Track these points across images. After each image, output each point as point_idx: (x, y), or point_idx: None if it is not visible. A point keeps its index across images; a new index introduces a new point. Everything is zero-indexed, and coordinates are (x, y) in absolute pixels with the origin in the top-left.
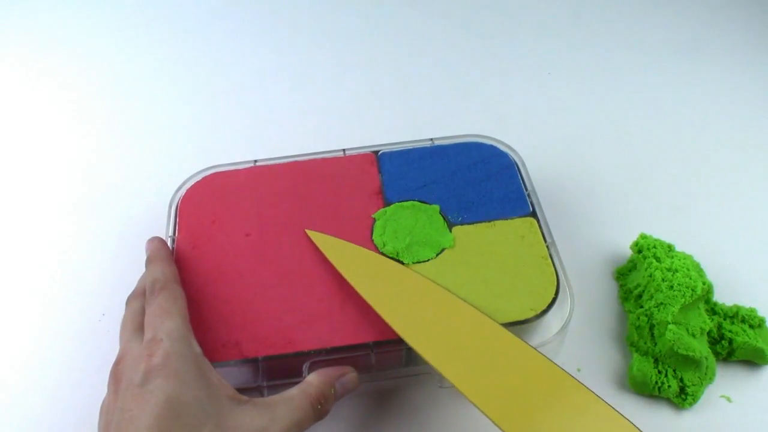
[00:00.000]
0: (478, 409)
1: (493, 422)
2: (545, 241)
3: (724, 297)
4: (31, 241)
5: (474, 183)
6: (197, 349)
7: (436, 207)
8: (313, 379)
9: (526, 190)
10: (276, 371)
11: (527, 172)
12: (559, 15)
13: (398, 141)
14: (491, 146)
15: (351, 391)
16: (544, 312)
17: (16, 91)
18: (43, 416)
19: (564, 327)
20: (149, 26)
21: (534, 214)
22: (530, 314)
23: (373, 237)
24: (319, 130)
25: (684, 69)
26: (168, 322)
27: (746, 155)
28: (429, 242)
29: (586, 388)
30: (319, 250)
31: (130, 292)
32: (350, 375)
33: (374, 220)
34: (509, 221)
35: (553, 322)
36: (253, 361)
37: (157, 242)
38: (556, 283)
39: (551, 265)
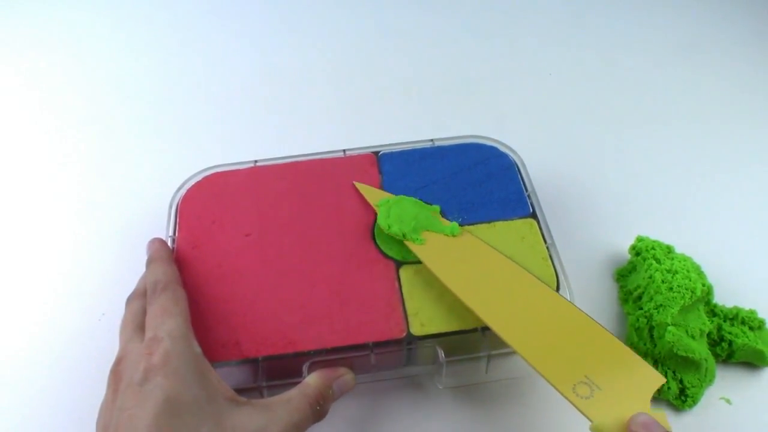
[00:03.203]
0: (534, 368)
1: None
2: (545, 242)
3: (724, 299)
4: (32, 241)
5: (474, 184)
6: (197, 349)
7: (437, 207)
8: (311, 380)
9: (527, 191)
10: (276, 371)
11: (527, 173)
12: (561, 16)
13: (398, 141)
14: (491, 147)
15: (347, 391)
16: None
17: (17, 92)
18: (43, 416)
19: None
20: (150, 26)
21: (534, 216)
22: None
23: (378, 220)
24: (319, 131)
25: (685, 69)
26: (169, 321)
27: (747, 156)
28: (432, 229)
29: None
30: (322, 249)
31: (130, 292)
32: (347, 376)
33: (374, 220)
34: (509, 222)
35: None
36: (253, 361)
37: (158, 243)
38: (556, 284)
39: (551, 266)
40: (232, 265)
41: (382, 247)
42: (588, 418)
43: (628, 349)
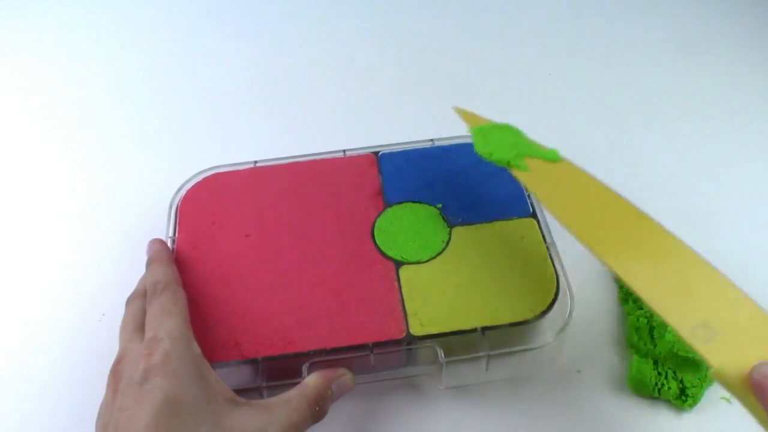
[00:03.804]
0: (650, 305)
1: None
2: (545, 241)
3: None
4: (32, 242)
5: (474, 183)
6: (197, 350)
7: (439, 205)
8: (310, 381)
9: (527, 190)
10: (276, 372)
11: None
12: (561, 16)
13: (399, 142)
14: None
15: (347, 392)
16: (544, 313)
17: (16, 93)
18: (42, 416)
19: (564, 328)
20: (149, 27)
21: (534, 215)
22: (529, 315)
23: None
24: (319, 131)
25: (685, 71)
26: (169, 322)
27: (748, 156)
28: (427, 244)
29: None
30: (322, 250)
31: (130, 292)
32: (346, 377)
33: (374, 220)
34: (509, 222)
35: (553, 323)
36: (252, 362)
37: (158, 244)
38: (556, 284)
39: (551, 266)
40: (231, 266)
41: (382, 248)
42: (708, 363)
43: (749, 298)
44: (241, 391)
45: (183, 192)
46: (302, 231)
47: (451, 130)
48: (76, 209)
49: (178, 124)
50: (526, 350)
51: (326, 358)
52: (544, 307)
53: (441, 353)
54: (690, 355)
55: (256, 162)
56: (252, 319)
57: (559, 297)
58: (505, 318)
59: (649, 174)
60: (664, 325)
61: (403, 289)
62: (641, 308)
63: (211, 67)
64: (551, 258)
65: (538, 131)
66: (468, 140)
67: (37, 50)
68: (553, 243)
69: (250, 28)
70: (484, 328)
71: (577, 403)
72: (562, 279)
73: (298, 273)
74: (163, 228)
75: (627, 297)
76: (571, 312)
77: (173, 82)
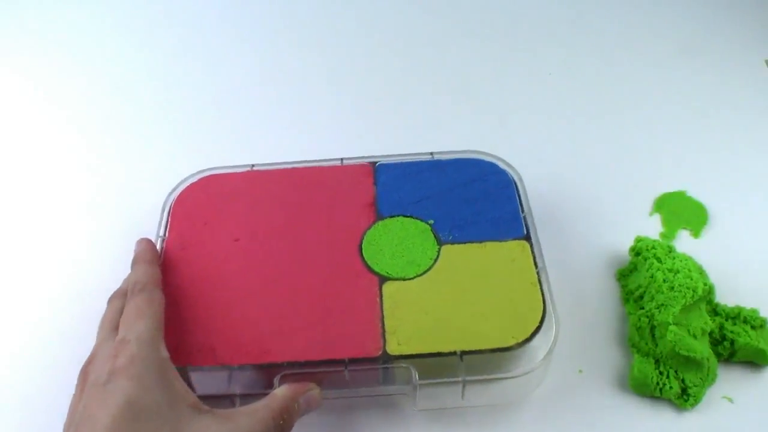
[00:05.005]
0: None
1: None
2: (536, 266)
3: (725, 298)
4: (28, 240)
5: (470, 201)
6: (164, 354)
7: (428, 225)
8: (279, 393)
9: (522, 211)
10: (249, 380)
11: (525, 191)
12: (560, 18)
13: (398, 153)
14: (491, 163)
15: (314, 407)
16: (526, 341)
17: (12, 91)
18: (40, 416)
19: (548, 355)
20: (148, 28)
21: (528, 238)
22: (511, 342)
23: (363, 250)
24: (318, 138)
25: (686, 70)
26: (139, 324)
27: (749, 156)
28: (414, 261)
29: None
30: (308, 259)
31: None
32: (314, 391)
33: (364, 233)
34: (501, 243)
35: (536, 351)
36: (227, 368)
37: (144, 244)
38: (542, 312)
39: (539, 291)
40: (217, 270)
41: (369, 261)
42: None
43: None
44: (213, 398)
45: (178, 192)
46: (291, 238)
47: (453, 142)
48: (73, 208)
49: (177, 126)
50: (505, 378)
51: (300, 370)
52: (526, 335)
53: (415, 375)
54: (691, 355)
55: (253, 166)
56: (231, 325)
57: (544, 325)
58: (485, 343)
59: (649, 174)
60: (665, 325)
61: (385, 305)
62: (642, 308)
63: (212, 69)
64: (540, 283)
65: (539, 132)
66: (468, 155)
67: (35, 49)
68: (545, 268)
69: (251, 31)
70: (463, 353)
71: (578, 403)
72: (549, 306)
73: (282, 281)
74: (155, 227)
75: (628, 297)
76: (555, 341)
77: (173, 83)
